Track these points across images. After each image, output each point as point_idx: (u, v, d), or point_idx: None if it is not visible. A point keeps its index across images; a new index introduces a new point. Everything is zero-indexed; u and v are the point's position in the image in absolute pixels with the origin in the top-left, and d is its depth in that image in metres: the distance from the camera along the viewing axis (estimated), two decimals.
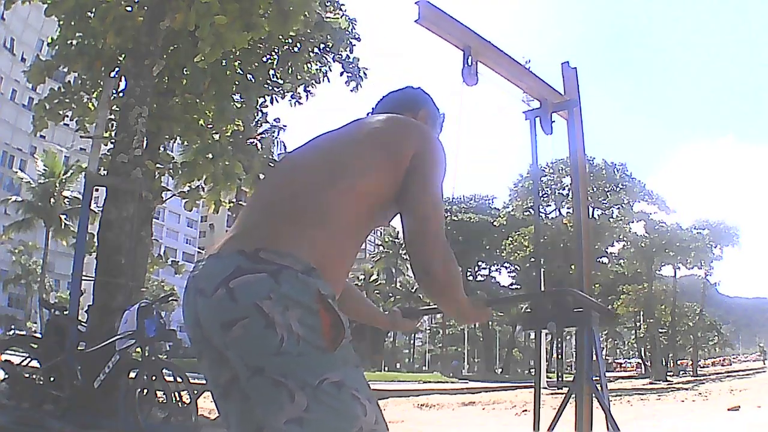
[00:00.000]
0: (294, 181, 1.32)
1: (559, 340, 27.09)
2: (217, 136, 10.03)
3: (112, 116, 8.81)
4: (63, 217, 33.10)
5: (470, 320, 1.58)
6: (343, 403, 1.11)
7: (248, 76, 10.45)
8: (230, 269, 1.14)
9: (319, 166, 1.33)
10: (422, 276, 1.30)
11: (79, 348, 6.01)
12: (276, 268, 1.12)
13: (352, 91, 10.80)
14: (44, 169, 33.93)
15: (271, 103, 11.34)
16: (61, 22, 8.99)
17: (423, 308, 2.00)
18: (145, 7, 7.96)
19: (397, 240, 56.52)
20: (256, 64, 10.35)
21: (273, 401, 1.10)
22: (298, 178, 1.32)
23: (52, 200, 33.33)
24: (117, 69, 8.98)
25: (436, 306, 1.68)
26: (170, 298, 7.30)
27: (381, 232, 60.65)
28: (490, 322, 55.30)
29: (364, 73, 10.81)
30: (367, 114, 1.62)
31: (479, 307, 1.57)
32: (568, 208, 39.23)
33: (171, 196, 10.87)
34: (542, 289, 6.34)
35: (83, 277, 6.87)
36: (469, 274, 51.75)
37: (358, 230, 1.30)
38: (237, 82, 10.27)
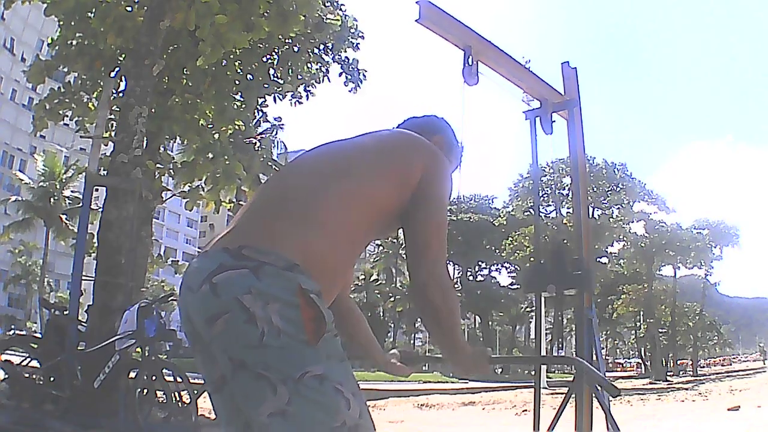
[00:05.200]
0: (293, 183, 1.33)
1: (560, 340, 27.12)
2: (217, 136, 10.03)
3: (112, 116, 8.81)
4: (63, 217, 33.07)
5: (469, 369, 1.44)
6: (326, 397, 1.11)
7: (248, 76, 10.45)
8: (215, 266, 1.16)
9: (322, 171, 1.33)
10: (418, 296, 1.31)
11: (79, 348, 6.01)
12: (257, 264, 1.14)
13: (350, 92, 10.80)
14: (44, 169, 33.91)
15: (274, 101, 11.36)
16: (61, 22, 8.99)
17: (423, 355, 2.00)
18: (145, 7, 7.96)
19: (396, 240, 56.51)
20: (256, 64, 10.35)
21: (256, 394, 1.11)
22: (299, 180, 1.33)
23: (52, 200, 33.32)
24: (117, 69, 8.99)
25: (436, 353, 1.61)
26: (170, 298, 7.29)
27: None
28: (490, 322, 55.43)
29: (364, 75, 10.81)
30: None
31: (480, 356, 1.46)
32: (568, 208, 39.21)
33: (171, 196, 10.87)
34: None
35: (83, 277, 6.87)
36: (469, 274, 51.75)
37: (355, 236, 1.29)
38: (237, 82, 10.28)
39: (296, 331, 1.12)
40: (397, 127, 1.66)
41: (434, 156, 1.42)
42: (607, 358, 56.13)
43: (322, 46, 10.64)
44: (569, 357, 2.28)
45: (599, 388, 3.88)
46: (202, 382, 1.32)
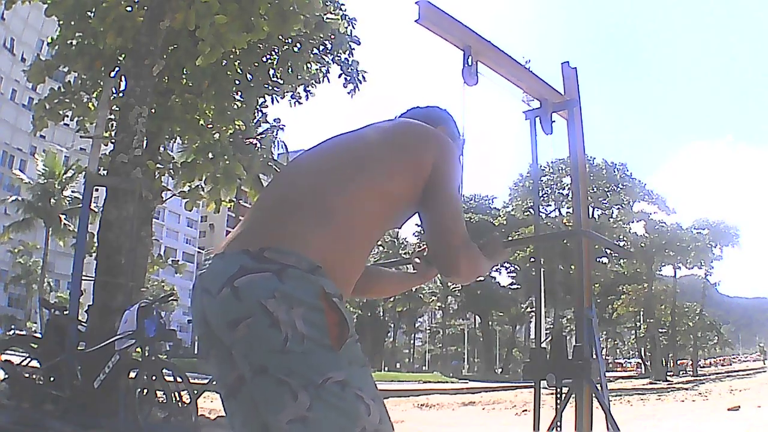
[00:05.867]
0: (303, 181, 1.31)
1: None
2: (217, 136, 10.03)
3: (112, 116, 8.81)
4: (63, 217, 33.08)
5: (494, 262, 1.70)
6: (347, 403, 1.10)
7: (248, 76, 10.44)
8: (235, 268, 1.14)
9: (330, 167, 1.32)
10: (449, 276, 1.39)
11: (79, 348, 6.01)
12: (280, 267, 1.12)
13: (349, 93, 10.78)
14: (44, 169, 33.91)
15: (272, 102, 11.35)
16: (61, 22, 8.99)
17: None
18: (145, 7, 7.96)
19: (396, 240, 56.54)
20: (256, 64, 10.34)
21: (276, 400, 1.10)
22: (308, 178, 1.32)
23: (52, 200, 33.32)
24: (117, 69, 8.99)
25: None
26: (170, 298, 7.30)
27: None
28: (490, 322, 55.46)
29: (363, 77, 10.79)
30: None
31: (497, 252, 1.69)
32: (568, 208, 39.29)
33: (171, 196, 10.87)
34: (542, 289, 6.35)
35: (83, 277, 6.87)
36: None
37: (368, 231, 1.29)
38: (237, 82, 10.27)
39: (320, 335, 1.11)
40: (401, 115, 1.65)
41: (444, 144, 1.42)
42: (607, 358, 56.12)
43: (321, 47, 10.63)
44: (575, 230, 2.29)
45: (610, 251, 3.82)
46: (204, 383, 1.31)
